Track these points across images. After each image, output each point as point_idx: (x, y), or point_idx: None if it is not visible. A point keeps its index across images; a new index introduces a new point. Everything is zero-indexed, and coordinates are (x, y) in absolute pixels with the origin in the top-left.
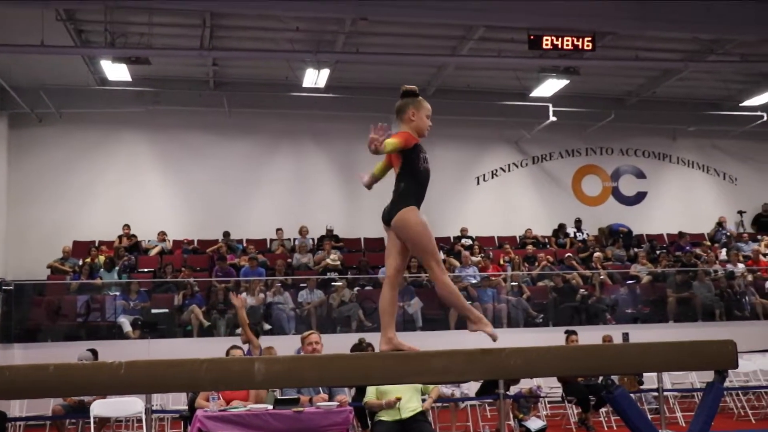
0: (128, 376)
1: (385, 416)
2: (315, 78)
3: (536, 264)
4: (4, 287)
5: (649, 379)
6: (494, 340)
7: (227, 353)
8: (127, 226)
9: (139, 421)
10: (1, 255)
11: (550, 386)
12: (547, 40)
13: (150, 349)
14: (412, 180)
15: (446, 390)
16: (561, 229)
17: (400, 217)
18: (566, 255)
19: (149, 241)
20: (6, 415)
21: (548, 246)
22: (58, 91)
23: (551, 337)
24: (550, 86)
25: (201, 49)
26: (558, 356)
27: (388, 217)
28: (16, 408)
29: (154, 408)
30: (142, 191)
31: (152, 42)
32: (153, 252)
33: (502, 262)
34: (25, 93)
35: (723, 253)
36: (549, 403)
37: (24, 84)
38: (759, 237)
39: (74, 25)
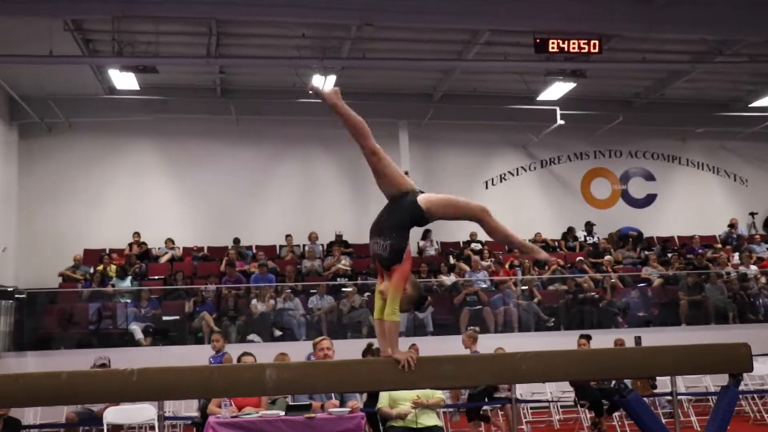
0: (140, 383)
1: (398, 423)
2: (322, 84)
3: (546, 268)
4: (16, 296)
5: (663, 383)
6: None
7: (238, 360)
8: (137, 234)
9: (152, 427)
10: (13, 264)
11: (562, 390)
12: (553, 43)
13: (161, 356)
14: None
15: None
16: (570, 232)
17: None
18: (577, 258)
19: (159, 248)
20: (20, 422)
21: (558, 249)
22: (67, 101)
23: (562, 341)
24: (557, 89)
25: (207, 57)
26: (570, 360)
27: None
28: (30, 415)
29: (166, 415)
30: (151, 199)
31: (159, 50)
32: (163, 259)
33: (508, 266)
34: (34, 103)
35: (735, 256)
36: (561, 407)
37: (33, 94)
38: None
39: (82, 35)
